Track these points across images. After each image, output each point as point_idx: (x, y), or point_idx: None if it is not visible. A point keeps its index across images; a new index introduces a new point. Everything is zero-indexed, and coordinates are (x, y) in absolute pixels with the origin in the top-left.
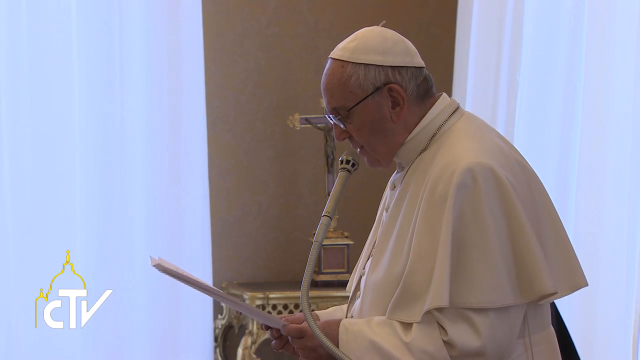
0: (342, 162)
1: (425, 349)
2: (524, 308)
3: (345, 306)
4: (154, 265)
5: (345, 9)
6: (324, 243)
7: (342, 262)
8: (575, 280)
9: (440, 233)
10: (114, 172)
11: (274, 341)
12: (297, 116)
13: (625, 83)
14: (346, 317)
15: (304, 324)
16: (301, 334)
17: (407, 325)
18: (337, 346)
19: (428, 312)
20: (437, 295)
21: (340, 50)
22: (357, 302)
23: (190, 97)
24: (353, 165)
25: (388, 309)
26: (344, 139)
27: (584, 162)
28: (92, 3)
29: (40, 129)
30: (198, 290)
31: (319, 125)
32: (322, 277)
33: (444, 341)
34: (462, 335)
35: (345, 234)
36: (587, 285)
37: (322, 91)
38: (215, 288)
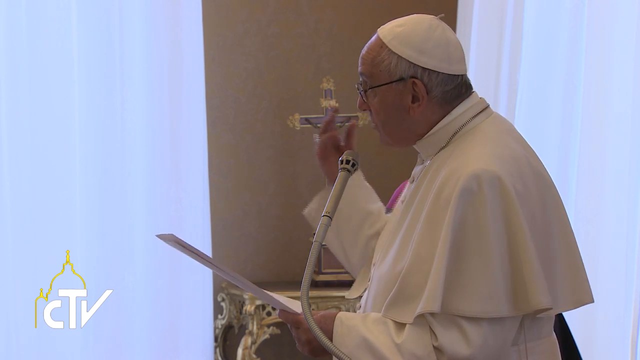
0: (342, 162)
1: (414, 352)
2: (519, 319)
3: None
4: (168, 240)
5: (345, 9)
6: (324, 243)
7: None
8: (580, 296)
9: (441, 237)
10: (114, 172)
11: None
12: (297, 116)
13: (624, 83)
14: (358, 305)
15: (301, 315)
16: (297, 325)
17: (401, 326)
18: (332, 338)
19: (422, 315)
20: (430, 299)
21: (387, 31)
22: (366, 292)
23: (190, 97)
24: (353, 165)
25: (384, 307)
26: (364, 110)
27: (584, 162)
28: (92, 3)
29: (40, 129)
30: (209, 266)
31: (319, 125)
32: (322, 277)
33: (434, 346)
34: (452, 342)
35: None
36: (592, 302)
37: (360, 58)
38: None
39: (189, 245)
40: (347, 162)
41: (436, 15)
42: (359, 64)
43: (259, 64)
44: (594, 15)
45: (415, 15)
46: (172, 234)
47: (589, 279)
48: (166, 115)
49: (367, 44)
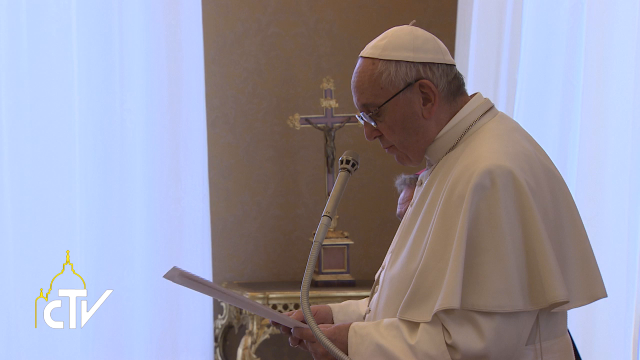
0: (342, 162)
1: (428, 353)
2: (535, 315)
3: (362, 301)
4: (173, 275)
5: (345, 9)
6: (324, 243)
7: (342, 262)
8: (594, 291)
9: (456, 234)
10: (114, 172)
11: (290, 338)
12: (297, 116)
13: (624, 82)
14: (366, 309)
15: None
16: (313, 339)
17: (414, 327)
18: (347, 349)
19: (435, 314)
20: (449, 296)
21: (371, 49)
22: (376, 295)
23: (190, 97)
24: (353, 165)
25: (400, 308)
26: (374, 137)
27: (583, 161)
28: (92, 3)
29: (41, 129)
30: (217, 296)
31: (319, 125)
32: (322, 277)
33: (447, 344)
34: (466, 338)
35: (345, 234)
36: (606, 296)
37: (353, 89)
38: (231, 292)
39: (196, 276)
40: (347, 162)
41: (408, 24)
42: (355, 95)
43: (259, 64)
44: (593, 14)
45: (389, 29)
46: (175, 268)
47: None
48: (166, 115)
49: (355, 72)
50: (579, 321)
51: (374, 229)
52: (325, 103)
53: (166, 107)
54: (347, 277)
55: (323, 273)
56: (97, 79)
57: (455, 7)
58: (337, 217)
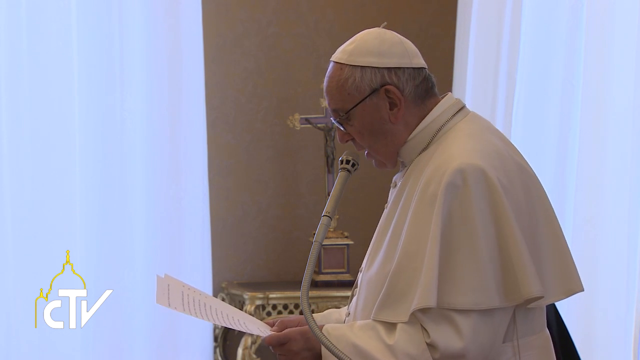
0: (342, 162)
1: (408, 352)
2: (510, 312)
3: (343, 308)
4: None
5: (345, 9)
6: (324, 243)
7: (342, 262)
8: (570, 285)
9: (429, 233)
10: (114, 172)
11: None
12: (297, 116)
13: (624, 82)
14: (345, 313)
15: (285, 331)
16: (286, 339)
17: (391, 328)
18: (320, 351)
19: (412, 314)
20: (425, 295)
21: (340, 53)
22: (354, 298)
23: (190, 97)
24: (353, 165)
25: (374, 309)
26: (347, 141)
27: (583, 162)
28: (92, 3)
29: (40, 129)
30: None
31: (319, 125)
32: (322, 277)
33: (426, 343)
34: (445, 337)
35: (345, 234)
36: (582, 290)
37: (324, 93)
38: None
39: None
40: (347, 162)
41: (379, 26)
42: (326, 99)
43: (259, 64)
44: (593, 14)
45: (359, 32)
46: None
47: (588, 281)
48: (166, 115)
49: (325, 78)
50: (579, 320)
51: (374, 229)
52: (325, 103)
53: (166, 107)
54: (347, 277)
55: (323, 273)
56: (97, 79)
57: (455, 7)
58: (337, 217)
